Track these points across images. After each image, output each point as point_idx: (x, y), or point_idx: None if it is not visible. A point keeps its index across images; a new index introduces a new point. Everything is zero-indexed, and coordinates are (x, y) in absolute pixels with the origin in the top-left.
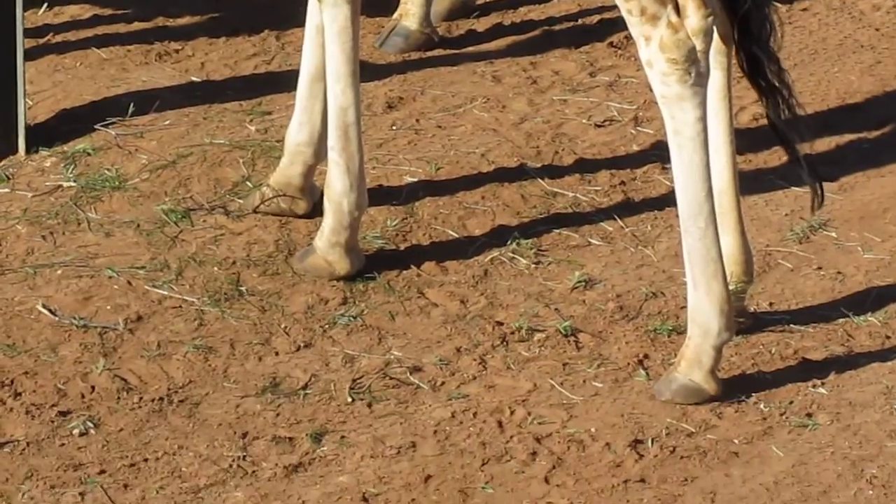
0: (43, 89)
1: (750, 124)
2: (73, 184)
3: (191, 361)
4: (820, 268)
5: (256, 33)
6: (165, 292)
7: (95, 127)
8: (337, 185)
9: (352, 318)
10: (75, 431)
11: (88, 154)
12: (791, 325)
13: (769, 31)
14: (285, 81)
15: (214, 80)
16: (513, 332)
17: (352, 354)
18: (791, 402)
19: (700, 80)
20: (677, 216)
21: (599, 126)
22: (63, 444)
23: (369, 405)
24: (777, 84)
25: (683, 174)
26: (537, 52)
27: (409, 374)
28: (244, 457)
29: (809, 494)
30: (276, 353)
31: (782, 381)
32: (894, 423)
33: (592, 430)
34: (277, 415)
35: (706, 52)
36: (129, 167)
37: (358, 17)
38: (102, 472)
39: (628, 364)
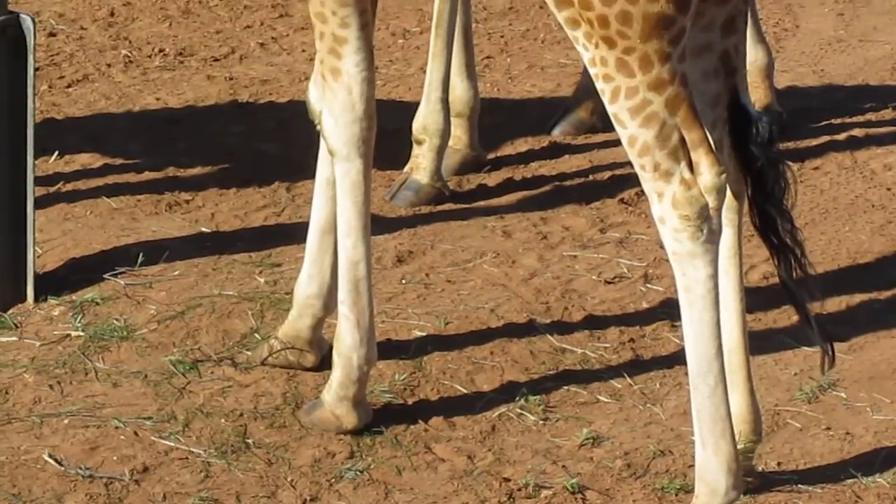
0: (52, 238)
1: (760, 283)
2: (80, 333)
3: None
4: (829, 428)
5: (267, 185)
6: (172, 443)
7: (104, 276)
8: (347, 340)
9: (358, 473)
10: None
11: (97, 303)
12: (799, 486)
13: (783, 188)
14: (295, 233)
15: (224, 231)
16: (520, 489)
17: None
18: None
19: (712, 238)
20: (686, 374)
21: (609, 283)
22: None
23: None
24: (789, 242)
25: (693, 331)
26: (548, 208)
27: None
28: None
29: None
30: None
31: None
32: None
33: None
34: None
35: (719, 209)
36: (137, 317)
37: (370, 172)
38: None
39: None
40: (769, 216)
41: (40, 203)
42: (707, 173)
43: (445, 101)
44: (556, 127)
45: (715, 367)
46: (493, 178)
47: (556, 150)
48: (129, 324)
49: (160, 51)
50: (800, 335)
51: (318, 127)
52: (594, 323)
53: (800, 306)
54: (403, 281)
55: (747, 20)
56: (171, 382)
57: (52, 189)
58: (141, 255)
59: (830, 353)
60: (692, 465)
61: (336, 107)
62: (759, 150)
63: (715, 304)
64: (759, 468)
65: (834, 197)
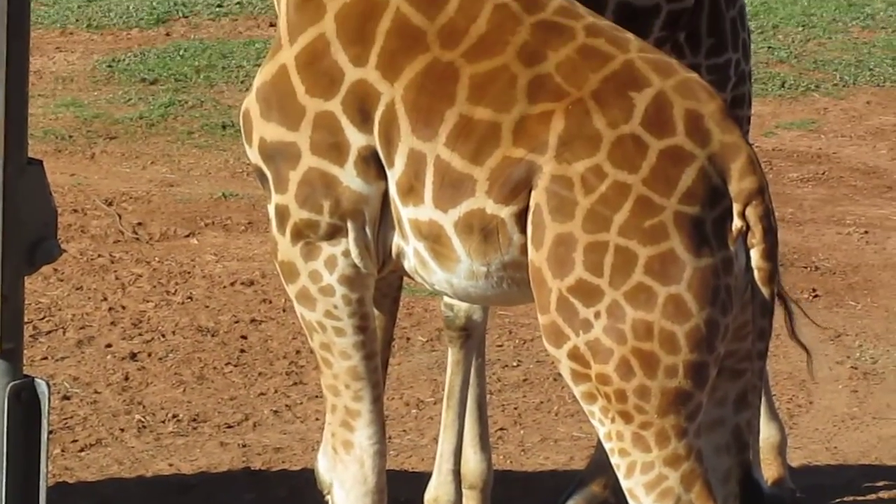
0: None
1: None
2: None
3: None
4: None
5: None
6: None
7: None
8: None
9: None
10: None
11: None
12: None
13: None
14: None
15: None
16: None
17: None
18: None
19: None
20: None
21: None
22: None
23: None
24: None
25: None
26: None
27: None
28: None
29: None
30: None
31: None
32: None
33: None
34: None
35: None
36: None
37: None
38: None
39: None
40: None
41: None
42: None
43: (457, 473)
44: (569, 501)
45: None
46: None
47: None
48: None
49: (174, 416)
50: None
51: (328, 498)
52: None
53: None
54: None
55: (760, 395)
56: None
57: None
58: None
59: None
60: None
61: (347, 480)
62: None
63: None
64: None
65: None
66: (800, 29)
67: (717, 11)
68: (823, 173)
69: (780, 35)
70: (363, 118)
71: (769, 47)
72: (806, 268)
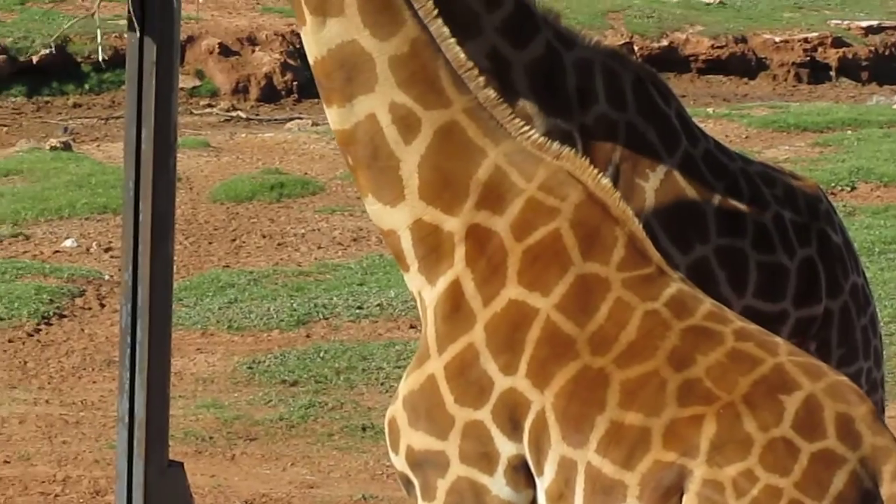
0: None
1: None
2: None
3: None
4: None
5: None
6: None
7: None
8: None
9: None
10: None
11: None
12: None
13: None
14: None
15: None
16: None
17: None
18: None
19: None
20: None
21: None
22: None
23: None
24: None
25: None
26: None
27: None
28: None
29: None
30: None
31: None
32: None
33: None
34: None
35: None
36: None
37: None
38: None
39: None
40: None
41: None
42: None
43: None
44: None
45: None
46: None
47: None
48: None
49: None
50: None
51: None
52: None
53: None
54: None
55: None
56: None
57: None
58: None
59: None
60: None
61: None
62: None
63: None
64: None
65: None
66: None
67: (848, 320)
68: None
69: None
70: (513, 427)
71: None
72: None
